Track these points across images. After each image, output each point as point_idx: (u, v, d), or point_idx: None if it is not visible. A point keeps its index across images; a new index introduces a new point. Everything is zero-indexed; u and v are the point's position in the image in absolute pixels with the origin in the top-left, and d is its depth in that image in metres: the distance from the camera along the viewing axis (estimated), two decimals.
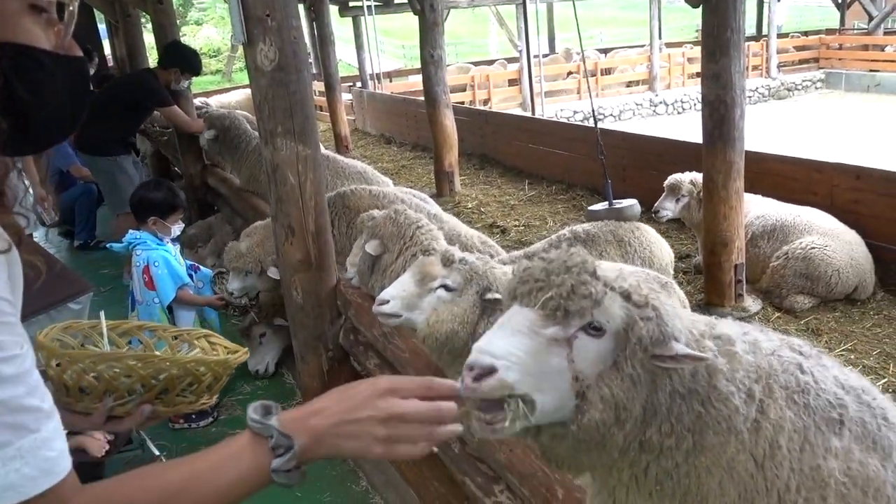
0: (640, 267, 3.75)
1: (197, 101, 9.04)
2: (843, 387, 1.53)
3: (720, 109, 4.46)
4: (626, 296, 1.33)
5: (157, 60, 6.40)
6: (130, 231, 4.06)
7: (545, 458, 1.45)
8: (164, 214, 3.98)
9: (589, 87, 6.68)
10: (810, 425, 1.44)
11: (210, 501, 1.05)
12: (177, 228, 4.11)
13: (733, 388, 1.38)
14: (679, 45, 21.76)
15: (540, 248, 3.98)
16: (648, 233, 4.12)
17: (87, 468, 2.91)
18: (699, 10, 4.52)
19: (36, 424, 0.91)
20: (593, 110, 5.83)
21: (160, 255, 3.91)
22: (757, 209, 5.13)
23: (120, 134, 6.18)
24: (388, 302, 2.36)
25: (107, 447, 2.97)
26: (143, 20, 9.47)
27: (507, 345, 1.28)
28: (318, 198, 3.32)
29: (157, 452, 3.25)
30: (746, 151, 4.63)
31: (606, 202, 4.69)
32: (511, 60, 19.88)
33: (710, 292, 4.84)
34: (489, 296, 2.33)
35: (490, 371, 1.23)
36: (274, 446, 1.08)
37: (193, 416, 3.98)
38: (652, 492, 1.45)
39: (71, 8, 1.05)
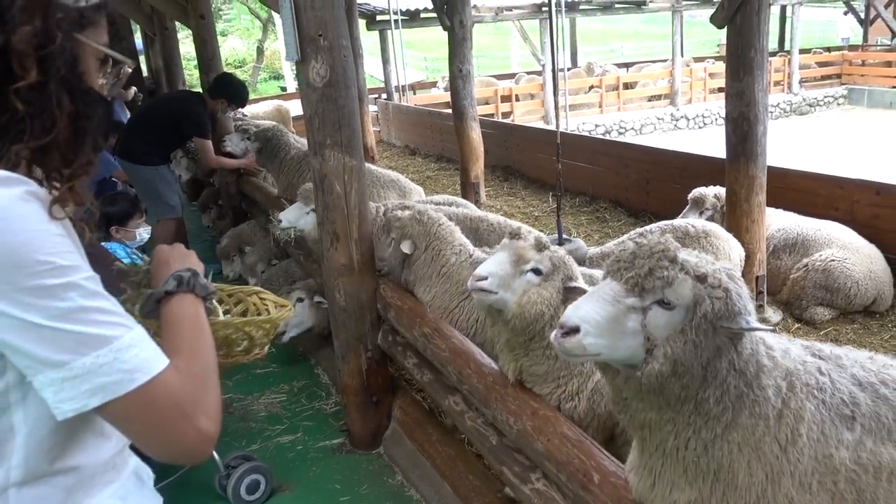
0: None
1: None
2: (861, 384, 1.75)
3: (743, 126, 4.62)
4: (702, 278, 1.62)
5: (207, 89, 6.61)
6: (102, 244, 4.37)
7: (615, 401, 1.78)
8: (122, 222, 4.37)
9: (559, 102, 6.84)
10: (826, 419, 1.66)
11: (206, 337, 1.32)
12: (142, 231, 4.47)
13: (770, 382, 1.65)
14: (702, 59, 21.84)
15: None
16: (717, 238, 4.21)
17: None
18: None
19: (131, 324, 1.12)
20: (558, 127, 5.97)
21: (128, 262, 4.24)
22: (778, 222, 5.28)
23: (162, 148, 6.40)
24: (486, 279, 2.46)
25: None
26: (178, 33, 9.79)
27: (591, 309, 1.64)
28: (361, 206, 3.52)
29: None
30: (769, 167, 4.78)
31: (550, 238, 4.70)
32: (531, 73, 20.13)
33: None
34: (571, 284, 2.49)
35: (575, 329, 1.61)
36: (186, 282, 1.37)
37: None
38: (688, 467, 1.67)
39: (127, 69, 1.37)
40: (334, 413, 4.26)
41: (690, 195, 5.46)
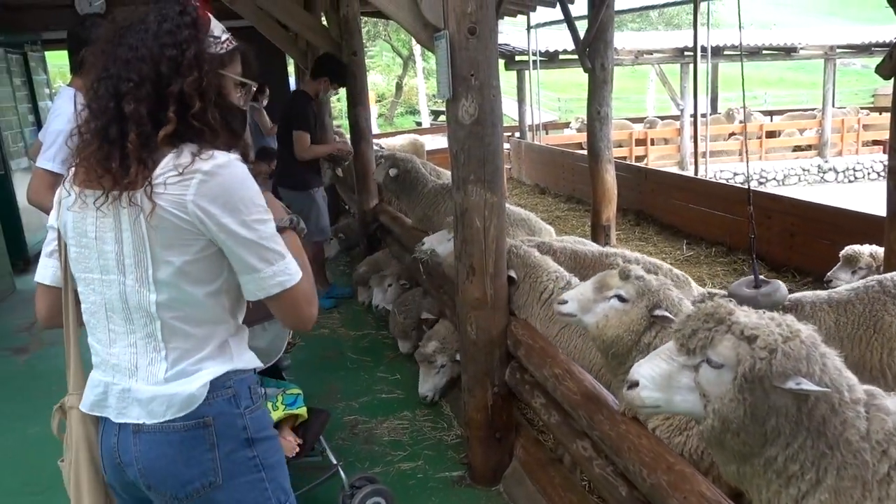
0: None
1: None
2: None
3: None
4: (752, 339, 1.69)
5: (310, 71, 6.87)
6: None
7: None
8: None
9: (746, 152, 6.58)
10: None
11: (304, 257, 1.89)
12: None
13: (866, 446, 1.64)
14: (862, 108, 20.61)
15: (845, 296, 3.93)
16: None
17: None
18: (875, 74, 4.43)
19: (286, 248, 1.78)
20: (748, 181, 5.72)
21: None
22: None
23: (303, 163, 6.61)
24: (566, 302, 2.79)
25: (297, 450, 3.32)
26: None
27: (649, 367, 1.87)
28: (499, 241, 3.57)
29: (334, 461, 3.56)
30: None
31: (745, 280, 4.44)
32: (664, 118, 19.73)
33: None
34: (657, 312, 2.62)
35: (636, 383, 1.87)
36: (294, 224, 1.96)
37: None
38: None
39: (252, 88, 1.97)
40: (455, 445, 4.29)
41: (843, 252, 5.11)
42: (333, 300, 7.14)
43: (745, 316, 1.78)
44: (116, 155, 1.66)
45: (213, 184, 1.65)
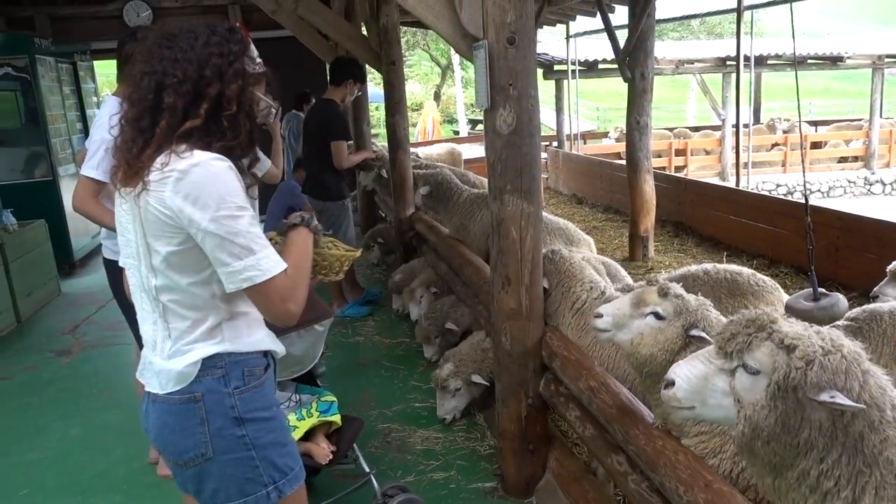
0: None
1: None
2: None
3: None
4: (791, 348, 1.66)
5: (330, 80, 6.82)
6: None
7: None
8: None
9: (803, 163, 6.42)
10: None
11: (308, 257, 2.09)
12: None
13: None
14: None
15: None
16: None
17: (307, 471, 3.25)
18: None
19: (266, 244, 1.87)
20: (805, 194, 5.58)
21: None
22: None
23: (337, 173, 6.66)
24: (602, 317, 2.73)
25: (330, 457, 3.33)
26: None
27: (687, 368, 1.88)
28: (535, 252, 3.54)
29: (367, 469, 3.57)
30: None
31: (804, 293, 4.34)
32: (699, 129, 19.45)
33: None
34: (693, 332, 2.55)
35: (672, 382, 1.88)
36: (305, 221, 2.13)
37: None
38: None
39: (273, 109, 2.28)
40: (488, 455, 4.26)
41: (891, 267, 4.95)
42: (369, 308, 7.18)
43: (789, 326, 1.76)
44: (140, 142, 1.84)
45: (186, 181, 1.78)
